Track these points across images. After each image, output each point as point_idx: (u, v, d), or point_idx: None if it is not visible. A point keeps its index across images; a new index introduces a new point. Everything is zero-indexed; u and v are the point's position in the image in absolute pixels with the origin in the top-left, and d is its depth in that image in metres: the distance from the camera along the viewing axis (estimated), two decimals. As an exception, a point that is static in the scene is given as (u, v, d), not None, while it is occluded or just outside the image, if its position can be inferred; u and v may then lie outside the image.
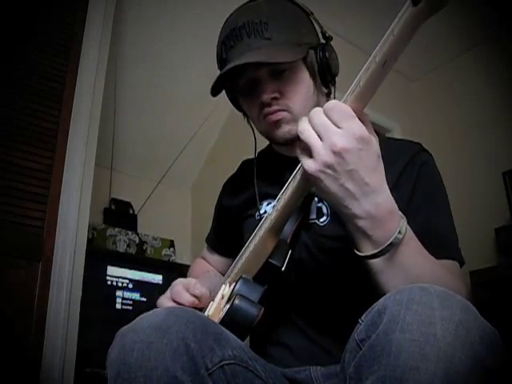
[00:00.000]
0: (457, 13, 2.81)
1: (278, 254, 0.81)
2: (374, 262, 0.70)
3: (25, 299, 1.72)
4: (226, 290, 0.89)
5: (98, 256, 2.55)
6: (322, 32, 1.00)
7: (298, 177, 0.74)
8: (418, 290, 0.58)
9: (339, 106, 0.65)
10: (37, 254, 1.79)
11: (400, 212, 0.69)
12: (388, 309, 0.57)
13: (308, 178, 0.69)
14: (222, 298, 0.88)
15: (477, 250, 2.56)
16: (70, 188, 1.93)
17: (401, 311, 0.56)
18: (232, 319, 0.76)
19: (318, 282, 0.92)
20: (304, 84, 0.94)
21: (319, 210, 0.95)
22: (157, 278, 2.79)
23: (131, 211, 3.11)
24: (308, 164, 0.67)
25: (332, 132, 0.64)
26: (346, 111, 0.65)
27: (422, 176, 0.90)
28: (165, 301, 0.91)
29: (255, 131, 1.04)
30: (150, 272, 2.78)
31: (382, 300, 0.60)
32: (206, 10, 2.69)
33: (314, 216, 0.94)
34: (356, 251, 0.71)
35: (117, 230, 2.92)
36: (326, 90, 1.01)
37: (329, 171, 0.65)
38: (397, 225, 0.68)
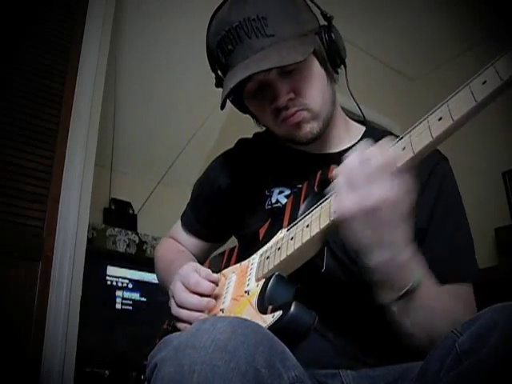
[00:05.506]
0: (457, 13, 2.81)
1: (318, 253, 0.76)
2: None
3: (25, 299, 1.72)
4: (251, 284, 0.80)
5: (98, 256, 2.55)
6: (322, 13, 0.92)
7: None
8: None
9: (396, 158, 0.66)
10: (37, 253, 1.79)
11: (416, 259, 0.69)
12: (499, 324, 0.54)
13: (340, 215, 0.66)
14: (246, 293, 0.80)
15: (477, 250, 2.54)
16: (69, 188, 1.93)
17: None
18: (286, 328, 0.67)
19: (334, 283, 0.85)
20: (317, 77, 0.87)
21: None
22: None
23: (131, 211, 3.10)
24: (348, 199, 0.65)
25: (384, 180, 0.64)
26: (393, 163, 0.65)
27: (443, 189, 0.89)
28: (184, 295, 0.81)
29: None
30: (150, 272, 2.77)
31: (487, 313, 0.57)
32: (206, 9, 2.69)
33: None
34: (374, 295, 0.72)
35: (117, 229, 2.91)
36: (337, 76, 0.94)
37: (365, 216, 0.64)
38: (410, 276, 0.68)
